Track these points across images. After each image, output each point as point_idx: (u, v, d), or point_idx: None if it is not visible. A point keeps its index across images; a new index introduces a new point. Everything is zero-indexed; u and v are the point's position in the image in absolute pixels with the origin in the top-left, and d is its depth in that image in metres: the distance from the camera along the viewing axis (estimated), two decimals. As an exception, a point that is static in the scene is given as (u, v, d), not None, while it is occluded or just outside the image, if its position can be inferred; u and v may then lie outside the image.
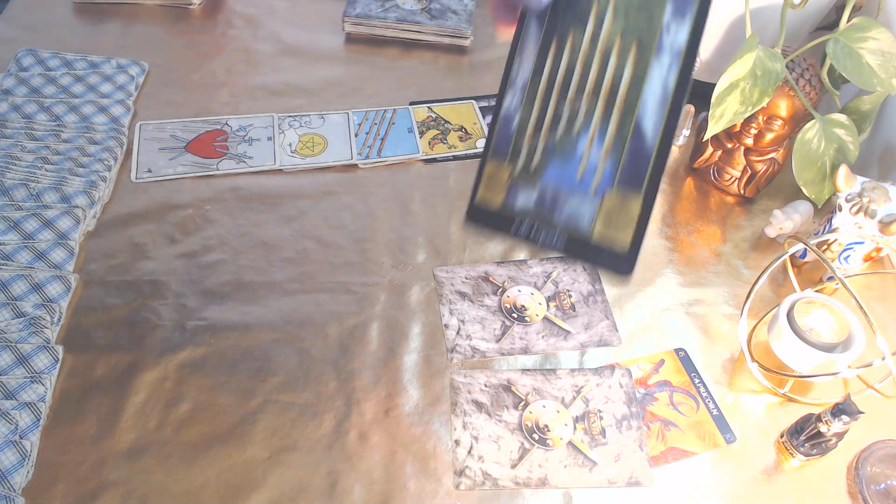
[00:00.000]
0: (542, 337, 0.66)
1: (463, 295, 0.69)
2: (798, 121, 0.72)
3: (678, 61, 0.33)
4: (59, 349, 0.60)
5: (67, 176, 0.71)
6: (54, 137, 0.76)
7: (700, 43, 0.33)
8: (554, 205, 0.36)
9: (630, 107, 0.34)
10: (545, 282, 0.70)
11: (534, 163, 0.36)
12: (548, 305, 0.69)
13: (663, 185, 0.80)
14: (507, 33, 0.38)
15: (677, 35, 0.33)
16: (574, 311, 0.68)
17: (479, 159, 0.39)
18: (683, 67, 0.33)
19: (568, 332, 0.67)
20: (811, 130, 0.71)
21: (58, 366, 0.60)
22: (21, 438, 0.55)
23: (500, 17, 0.38)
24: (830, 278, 0.71)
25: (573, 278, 0.71)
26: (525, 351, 0.65)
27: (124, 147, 0.77)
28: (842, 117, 0.72)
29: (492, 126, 0.38)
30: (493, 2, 0.40)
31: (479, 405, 0.61)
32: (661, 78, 0.33)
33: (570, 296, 0.69)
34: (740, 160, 0.77)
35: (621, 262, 0.35)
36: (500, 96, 0.38)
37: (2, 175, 0.70)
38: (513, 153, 0.37)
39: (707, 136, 0.71)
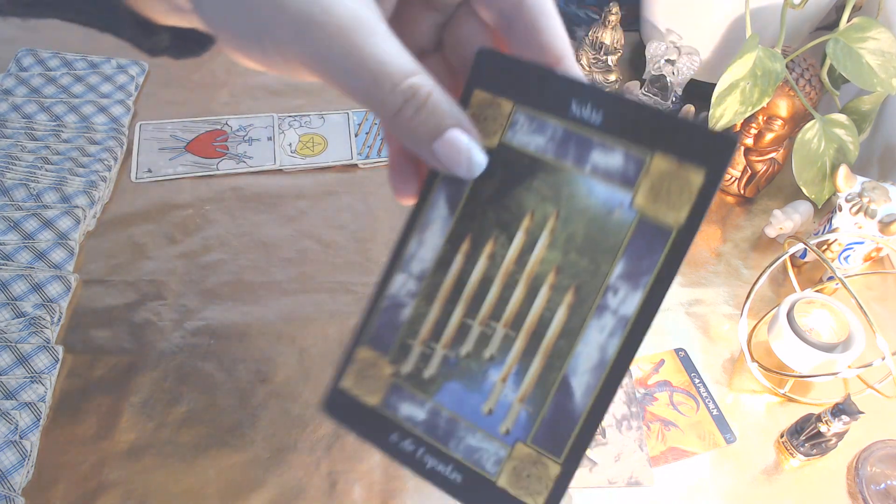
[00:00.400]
0: None
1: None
2: (798, 121, 0.72)
3: (622, 330, 0.26)
4: (59, 349, 0.60)
5: (67, 176, 0.71)
6: (54, 137, 0.76)
7: (653, 320, 0.26)
8: (450, 431, 0.28)
9: (558, 358, 0.27)
10: None
11: (427, 372, 0.29)
12: None
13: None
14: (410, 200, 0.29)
15: (626, 301, 0.26)
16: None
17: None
18: (629, 339, 0.26)
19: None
20: (811, 130, 0.71)
21: (58, 366, 0.60)
22: (21, 438, 0.55)
23: (400, 185, 0.29)
24: (830, 278, 0.71)
25: None
26: None
27: (124, 147, 0.77)
28: (842, 117, 0.72)
29: (372, 304, 0.30)
30: (392, 158, 0.30)
31: (479, 405, 0.61)
32: (599, 342, 0.26)
33: None
34: (740, 160, 0.77)
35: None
36: (389, 273, 0.29)
37: (2, 175, 0.70)
38: (400, 350, 0.29)
39: (707, 136, 0.71)
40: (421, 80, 0.25)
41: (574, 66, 0.28)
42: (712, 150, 0.25)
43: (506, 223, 0.28)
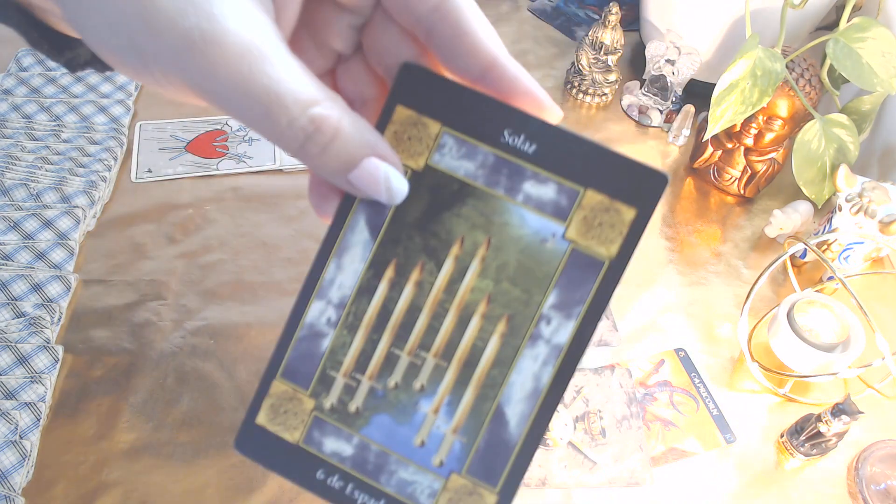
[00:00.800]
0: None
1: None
2: (798, 121, 0.72)
3: (556, 359, 0.26)
4: (59, 349, 0.60)
5: (67, 176, 0.71)
6: (54, 137, 0.76)
7: (586, 348, 0.26)
8: (381, 466, 0.27)
9: (491, 387, 0.27)
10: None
11: (353, 405, 0.27)
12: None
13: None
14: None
15: (559, 331, 0.26)
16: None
17: None
18: (562, 368, 0.26)
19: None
20: (811, 130, 0.71)
21: (58, 366, 0.60)
22: (21, 438, 0.55)
23: (319, 203, 0.27)
24: (830, 278, 0.71)
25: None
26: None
27: (124, 147, 0.77)
28: (842, 117, 0.72)
29: (287, 334, 0.28)
30: (310, 173, 0.27)
31: (478, 405, 0.61)
32: (532, 370, 0.26)
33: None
34: (740, 160, 0.77)
35: None
36: (304, 300, 0.28)
37: (2, 175, 0.70)
38: (320, 382, 0.28)
39: (707, 136, 0.71)
40: (324, 108, 0.22)
41: (509, 65, 0.25)
42: (644, 187, 0.25)
43: (433, 249, 0.27)
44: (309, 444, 0.28)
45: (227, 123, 0.82)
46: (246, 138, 0.80)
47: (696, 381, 0.64)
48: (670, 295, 0.70)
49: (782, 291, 0.71)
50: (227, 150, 0.79)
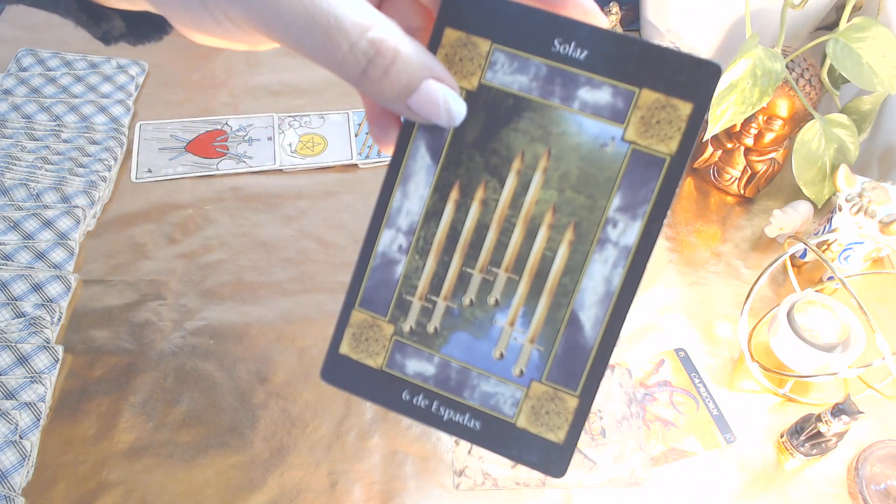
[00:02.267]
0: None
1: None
2: (798, 121, 0.72)
3: (625, 260, 0.27)
4: (59, 349, 0.60)
5: (67, 176, 0.71)
6: (54, 137, 0.76)
7: (654, 247, 0.26)
8: (463, 382, 0.28)
9: (564, 295, 0.27)
10: None
11: (431, 326, 0.28)
12: None
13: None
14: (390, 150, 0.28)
15: (626, 233, 0.26)
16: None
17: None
18: (632, 268, 0.27)
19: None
20: (811, 130, 0.71)
21: (58, 366, 0.60)
22: (21, 438, 0.55)
23: (380, 134, 0.28)
24: (830, 278, 0.71)
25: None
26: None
27: (124, 147, 0.77)
28: (842, 117, 0.72)
29: (361, 264, 0.29)
30: (367, 106, 0.29)
31: (479, 405, 0.61)
32: (603, 274, 0.27)
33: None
34: (740, 160, 0.77)
35: (554, 458, 0.28)
36: (375, 231, 0.28)
37: (2, 175, 0.70)
38: (397, 307, 0.29)
39: (707, 136, 0.71)
40: (382, 32, 0.23)
41: None
42: (698, 80, 0.25)
43: (495, 167, 0.27)
44: (392, 368, 0.29)
45: (226, 123, 0.82)
46: (246, 138, 0.80)
47: (696, 381, 0.64)
48: (670, 295, 0.70)
49: (782, 291, 0.71)
50: (227, 150, 0.79)
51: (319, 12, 0.22)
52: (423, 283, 0.29)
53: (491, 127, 0.27)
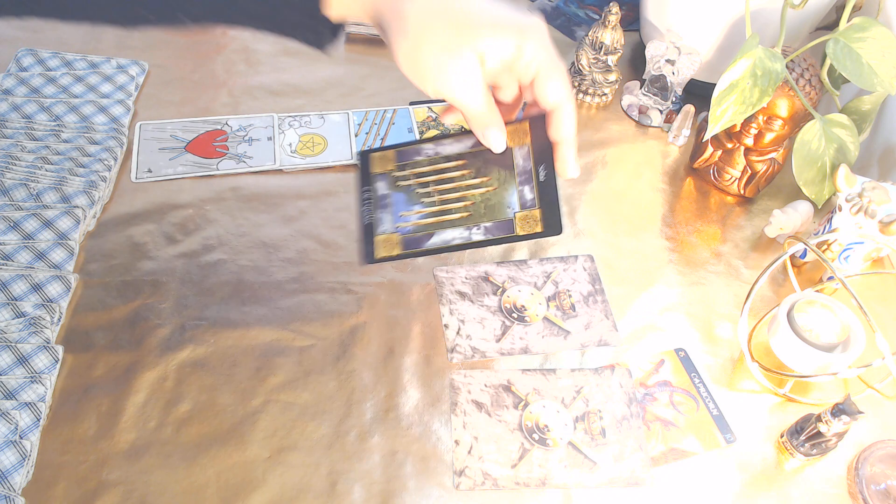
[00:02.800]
0: (543, 337, 0.66)
1: (463, 295, 0.69)
2: (798, 121, 0.72)
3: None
4: (59, 349, 0.60)
5: (67, 176, 0.71)
6: (54, 137, 0.76)
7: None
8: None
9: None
10: (545, 282, 0.70)
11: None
12: (548, 305, 0.69)
13: (663, 185, 0.80)
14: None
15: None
16: (574, 311, 0.68)
17: None
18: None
19: (568, 332, 0.67)
20: (811, 130, 0.71)
21: (58, 366, 0.60)
22: (21, 438, 0.55)
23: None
24: (830, 278, 0.71)
25: (573, 278, 0.71)
26: (525, 351, 0.65)
27: (124, 147, 0.77)
28: (842, 117, 0.72)
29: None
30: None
31: (479, 405, 0.61)
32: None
33: (570, 296, 0.69)
34: (740, 160, 0.77)
35: (551, 225, 0.50)
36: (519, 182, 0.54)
37: (2, 175, 0.70)
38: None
39: (707, 136, 0.71)
40: (494, 131, 0.49)
41: (570, 148, 0.50)
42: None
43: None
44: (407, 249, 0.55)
45: (226, 123, 0.82)
46: (246, 138, 0.80)
47: (696, 381, 0.64)
48: (670, 295, 0.70)
49: (782, 291, 0.71)
50: (227, 150, 0.79)
51: (478, 105, 0.48)
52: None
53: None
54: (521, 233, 0.50)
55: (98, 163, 0.74)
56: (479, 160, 0.53)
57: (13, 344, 0.59)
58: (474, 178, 0.53)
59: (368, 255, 0.53)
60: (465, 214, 0.52)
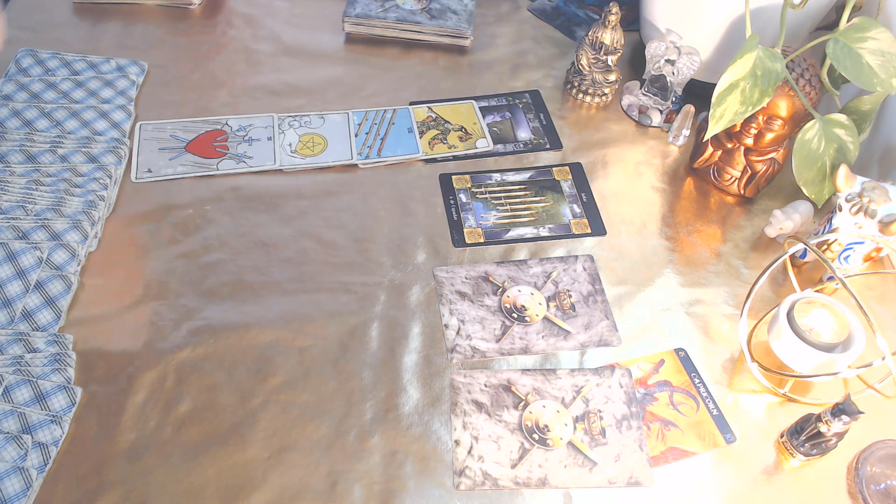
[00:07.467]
0: (542, 337, 0.66)
1: (463, 295, 0.69)
2: (798, 121, 0.72)
3: None
4: (78, 391, 0.59)
5: (65, 196, 0.70)
6: (51, 154, 0.74)
7: None
8: None
9: None
10: (545, 282, 0.70)
11: None
12: (548, 305, 0.69)
13: (663, 185, 0.80)
14: None
15: None
16: (574, 311, 0.68)
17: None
18: None
19: (568, 332, 0.67)
20: (811, 130, 0.71)
21: (74, 408, 0.58)
22: (28, 468, 0.54)
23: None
24: (830, 278, 0.71)
25: (573, 278, 0.71)
26: (525, 351, 0.65)
27: (124, 160, 0.76)
28: (842, 117, 0.72)
29: None
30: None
31: (479, 405, 0.61)
32: None
33: (569, 296, 0.69)
34: (740, 160, 0.77)
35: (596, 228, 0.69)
36: None
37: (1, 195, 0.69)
38: None
39: (707, 136, 0.71)
40: None
41: None
42: None
43: None
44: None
45: (226, 123, 0.82)
46: (246, 138, 0.80)
47: (696, 381, 0.64)
48: (670, 295, 0.70)
49: (782, 291, 0.71)
50: (227, 150, 0.79)
51: None
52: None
53: None
54: (577, 232, 0.73)
55: (94, 181, 0.72)
56: (536, 186, 0.78)
57: (34, 379, 0.58)
58: (535, 196, 0.76)
59: (459, 241, 0.71)
60: (532, 219, 0.74)
